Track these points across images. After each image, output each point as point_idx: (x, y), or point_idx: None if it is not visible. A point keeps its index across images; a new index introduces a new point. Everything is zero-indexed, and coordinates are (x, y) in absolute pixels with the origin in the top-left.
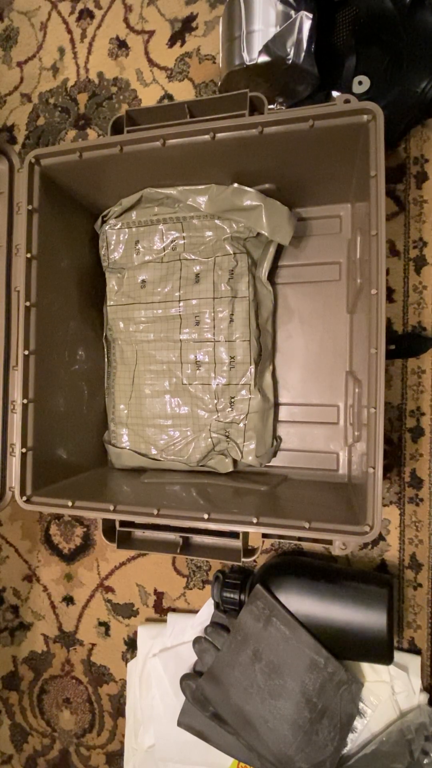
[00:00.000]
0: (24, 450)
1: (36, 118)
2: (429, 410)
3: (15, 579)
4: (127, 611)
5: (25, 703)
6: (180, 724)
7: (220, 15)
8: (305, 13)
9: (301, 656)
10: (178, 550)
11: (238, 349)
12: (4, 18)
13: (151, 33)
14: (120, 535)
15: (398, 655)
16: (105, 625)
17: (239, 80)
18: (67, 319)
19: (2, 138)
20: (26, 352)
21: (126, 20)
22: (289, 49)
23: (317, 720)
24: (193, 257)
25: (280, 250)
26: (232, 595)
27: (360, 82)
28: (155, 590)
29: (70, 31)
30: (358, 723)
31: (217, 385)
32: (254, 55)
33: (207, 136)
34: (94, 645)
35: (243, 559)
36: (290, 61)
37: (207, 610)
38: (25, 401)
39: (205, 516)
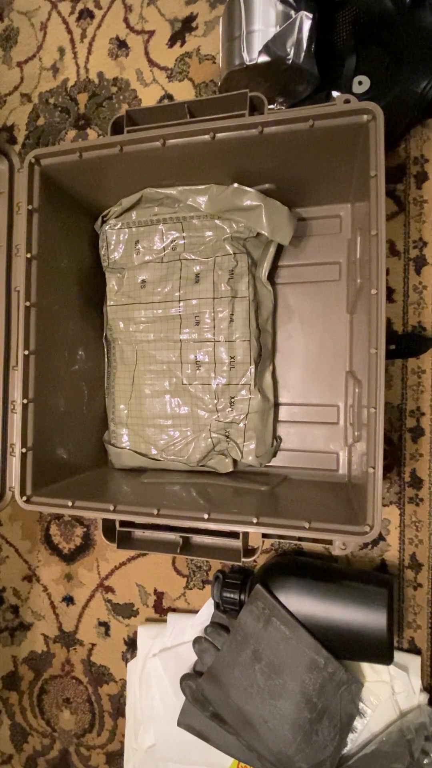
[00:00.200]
0: (24, 450)
1: (36, 118)
2: (429, 410)
3: (15, 579)
4: (127, 611)
5: (25, 703)
6: (180, 724)
7: (220, 15)
8: (305, 13)
9: (301, 656)
10: (178, 550)
11: (238, 349)
12: (4, 18)
13: (151, 33)
14: (120, 535)
15: (398, 655)
16: (105, 625)
17: (239, 80)
18: (67, 319)
19: (2, 138)
20: (26, 352)
21: (126, 20)
22: (289, 49)
23: (317, 720)
24: (193, 257)
25: (280, 250)
26: (232, 595)
27: (360, 82)
28: (155, 590)
29: (70, 31)
30: (358, 723)
31: (217, 385)
32: (254, 55)
33: (207, 136)
34: (94, 645)
35: (243, 559)
36: (290, 61)
37: (207, 610)
38: (25, 401)
39: (205, 516)
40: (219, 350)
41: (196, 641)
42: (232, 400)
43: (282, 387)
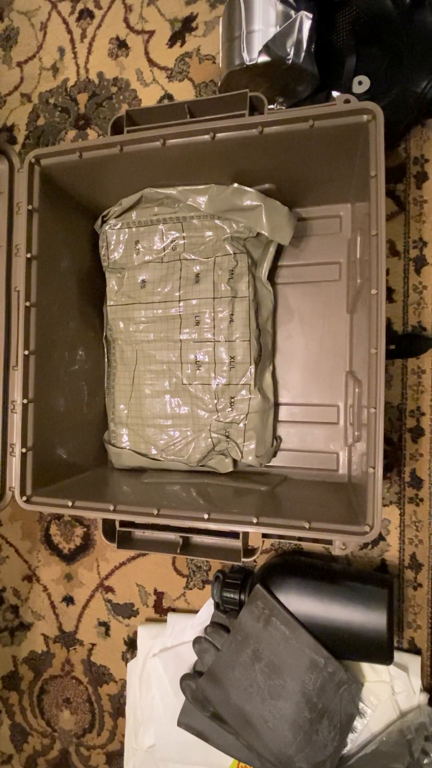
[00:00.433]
0: (24, 450)
1: (36, 118)
2: (429, 410)
3: (15, 579)
4: (127, 611)
5: (25, 703)
6: (180, 724)
7: (220, 15)
8: (305, 13)
9: (301, 656)
10: (178, 550)
11: (238, 349)
12: (4, 18)
13: (151, 33)
14: (120, 535)
15: (398, 655)
16: (105, 625)
17: (239, 80)
18: (67, 319)
19: (2, 138)
20: (26, 352)
21: (126, 20)
22: (289, 49)
23: (317, 720)
24: (193, 257)
25: (280, 250)
26: (232, 595)
27: (360, 82)
28: (155, 590)
29: (70, 31)
30: (358, 723)
31: (217, 385)
32: (254, 55)
33: (207, 136)
34: (94, 645)
35: (243, 559)
36: (290, 61)
37: (207, 610)
38: (25, 401)
39: (205, 516)
40: (219, 350)
41: (196, 641)
42: (232, 400)
43: (282, 387)
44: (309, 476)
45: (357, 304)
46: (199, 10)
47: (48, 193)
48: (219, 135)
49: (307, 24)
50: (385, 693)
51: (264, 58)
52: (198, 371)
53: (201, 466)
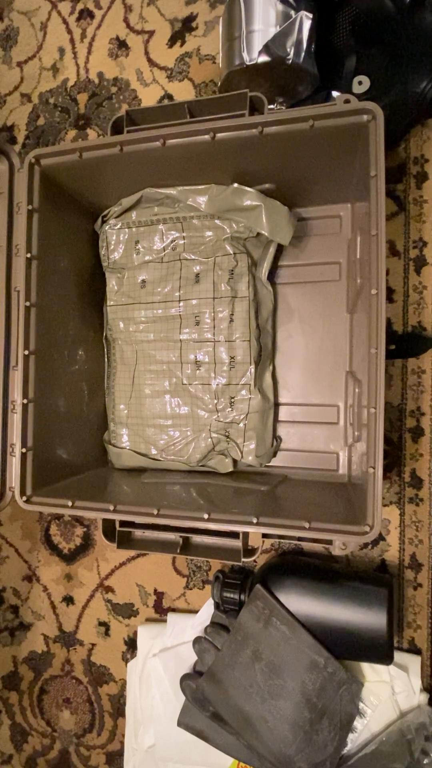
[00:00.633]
0: (24, 450)
1: (36, 118)
2: (429, 410)
3: (15, 579)
4: (127, 611)
5: (25, 703)
6: (180, 724)
7: (220, 15)
8: (305, 13)
9: (301, 656)
10: (178, 550)
11: (238, 349)
12: (4, 18)
13: (151, 33)
14: (120, 535)
15: (398, 655)
16: (105, 625)
17: (239, 80)
18: (67, 319)
19: (2, 138)
20: (26, 352)
21: (126, 20)
22: (289, 49)
23: (317, 720)
24: (193, 257)
25: (280, 250)
26: (232, 595)
27: (360, 82)
28: (155, 590)
29: (70, 31)
30: (358, 723)
31: (217, 385)
32: (254, 55)
33: (207, 136)
34: (94, 645)
35: (243, 559)
36: (290, 61)
37: (207, 610)
38: (25, 401)
39: (205, 516)
40: (219, 350)
41: (196, 641)
42: (232, 400)
43: (282, 387)
44: (309, 476)
45: (357, 304)
46: (199, 10)
47: (48, 193)
48: (219, 135)
49: (307, 24)
50: (385, 693)
51: (264, 58)
52: (198, 371)
53: (201, 466)
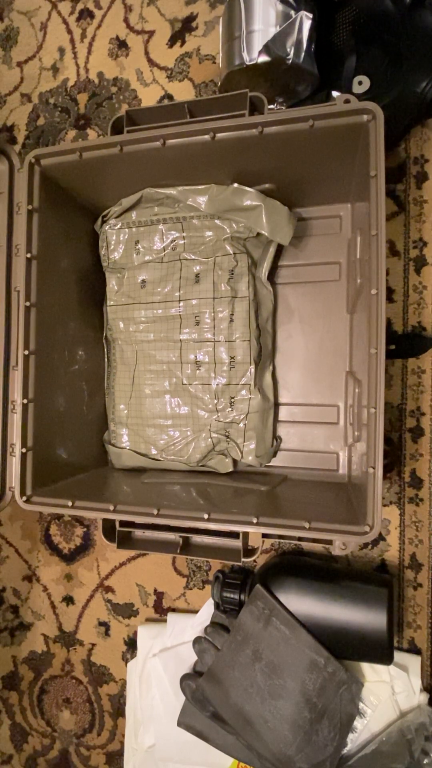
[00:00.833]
0: (24, 450)
1: (36, 118)
2: (429, 410)
3: (15, 579)
4: (127, 611)
5: (25, 703)
6: (180, 724)
7: (220, 15)
8: (305, 13)
9: (301, 656)
10: (178, 550)
11: (238, 349)
12: (4, 18)
13: (151, 33)
14: (120, 535)
15: (398, 655)
16: (105, 625)
17: (239, 80)
18: (67, 319)
19: (2, 138)
20: (26, 352)
21: (126, 20)
22: (289, 49)
23: (317, 720)
24: (193, 257)
25: (280, 250)
26: (232, 595)
27: (360, 82)
28: (155, 590)
29: (70, 31)
30: (358, 723)
31: (217, 385)
32: (254, 55)
33: (207, 136)
34: (94, 645)
35: (243, 559)
36: (290, 61)
37: (207, 610)
38: (25, 401)
39: (205, 516)
40: (219, 350)
41: (196, 641)
42: (232, 400)
43: (282, 387)
44: (309, 476)
45: (357, 304)
46: (199, 10)
47: (48, 193)
48: (219, 135)
49: (307, 24)
50: (385, 693)
51: (264, 58)
52: (198, 371)
53: (201, 466)
